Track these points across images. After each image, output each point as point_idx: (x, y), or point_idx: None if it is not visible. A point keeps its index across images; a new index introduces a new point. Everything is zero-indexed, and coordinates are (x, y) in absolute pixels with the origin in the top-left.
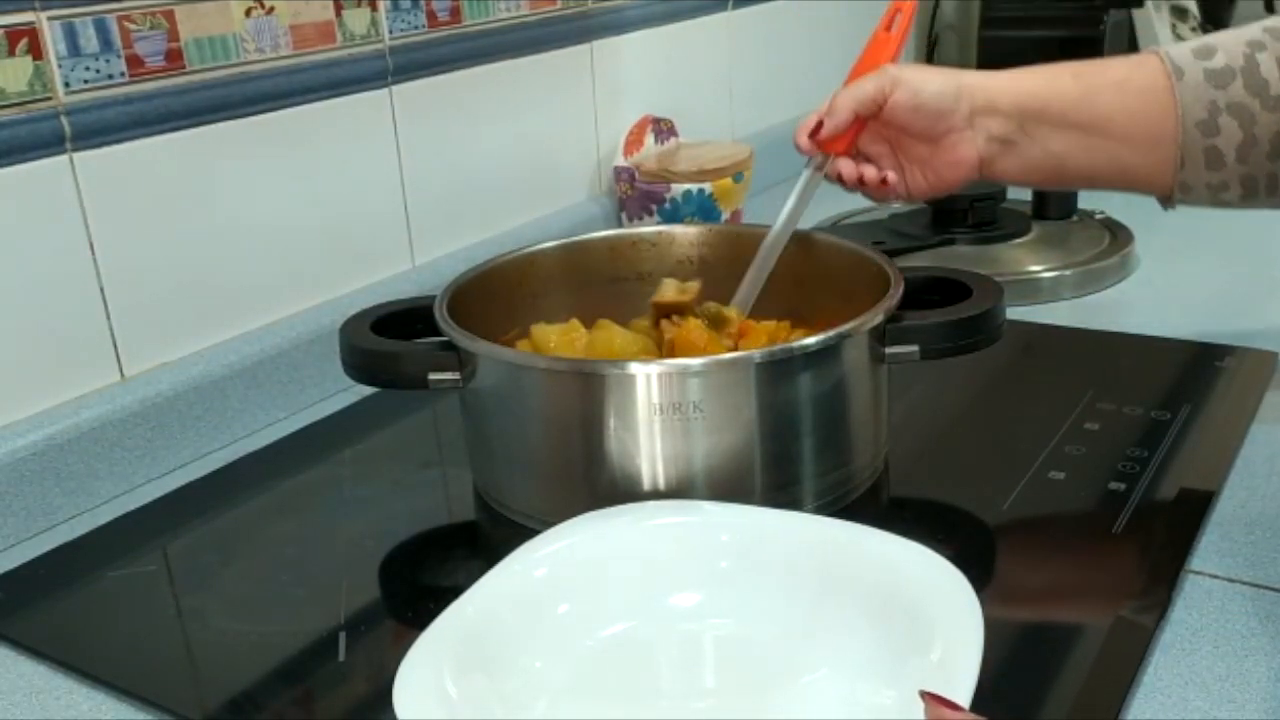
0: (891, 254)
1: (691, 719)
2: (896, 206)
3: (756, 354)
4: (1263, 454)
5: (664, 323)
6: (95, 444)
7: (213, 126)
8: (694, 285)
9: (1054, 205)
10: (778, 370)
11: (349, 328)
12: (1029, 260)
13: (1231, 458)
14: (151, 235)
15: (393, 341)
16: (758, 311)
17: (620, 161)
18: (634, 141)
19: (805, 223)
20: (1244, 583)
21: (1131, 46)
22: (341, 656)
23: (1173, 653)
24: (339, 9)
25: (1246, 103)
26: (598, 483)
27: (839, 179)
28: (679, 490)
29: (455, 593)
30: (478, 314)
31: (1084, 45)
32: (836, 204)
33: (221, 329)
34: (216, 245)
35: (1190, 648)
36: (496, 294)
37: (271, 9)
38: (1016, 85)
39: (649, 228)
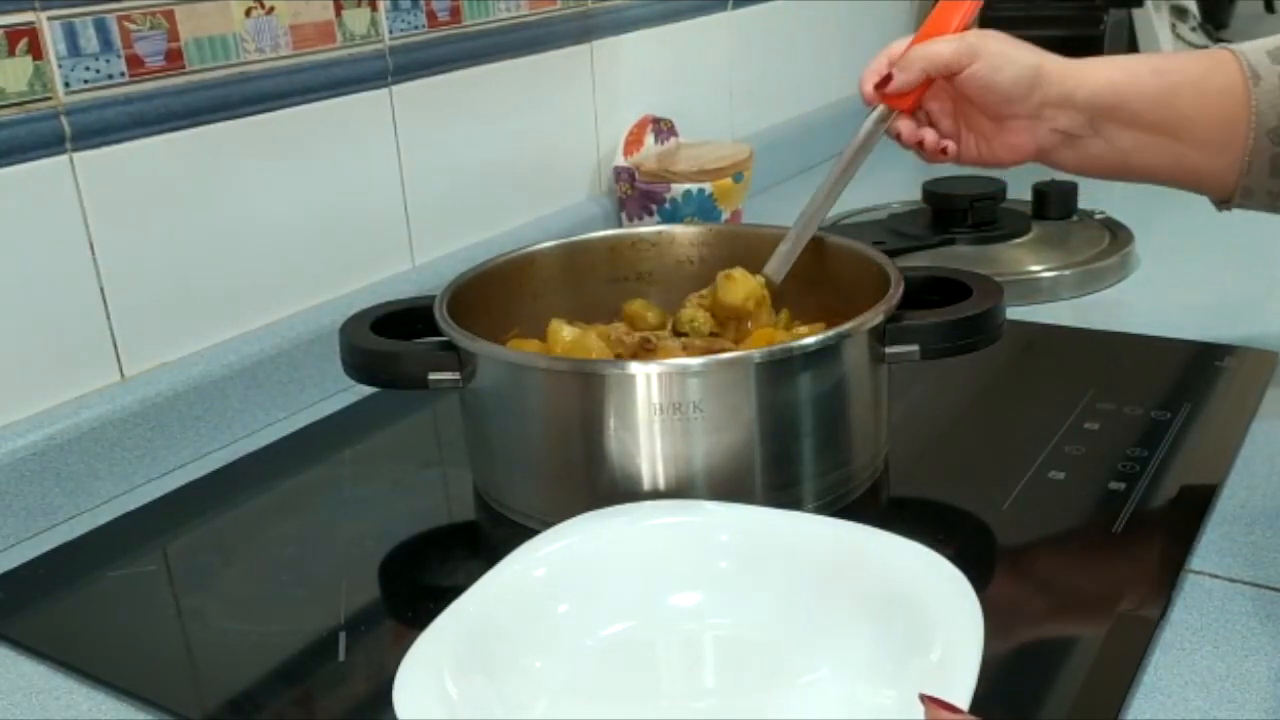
0: (891, 254)
1: (691, 719)
2: (896, 206)
3: (756, 354)
4: (1263, 454)
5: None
6: (95, 444)
7: (213, 126)
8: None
9: (1054, 205)
10: (777, 370)
11: (349, 328)
12: (1029, 260)
13: (1231, 458)
14: (151, 235)
15: (393, 341)
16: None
17: (620, 161)
18: (634, 141)
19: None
20: (1244, 582)
21: (1131, 46)
22: (341, 656)
23: (1173, 653)
24: (339, 9)
25: None
26: (598, 483)
27: (897, 137)
28: (679, 490)
29: (455, 593)
30: (478, 314)
31: (1084, 45)
32: (837, 204)
33: (221, 329)
34: (216, 245)
35: (1190, 648)
36: (496, 294)
37: (271, 9)
38: (1095, 76)
39: (649, 228)
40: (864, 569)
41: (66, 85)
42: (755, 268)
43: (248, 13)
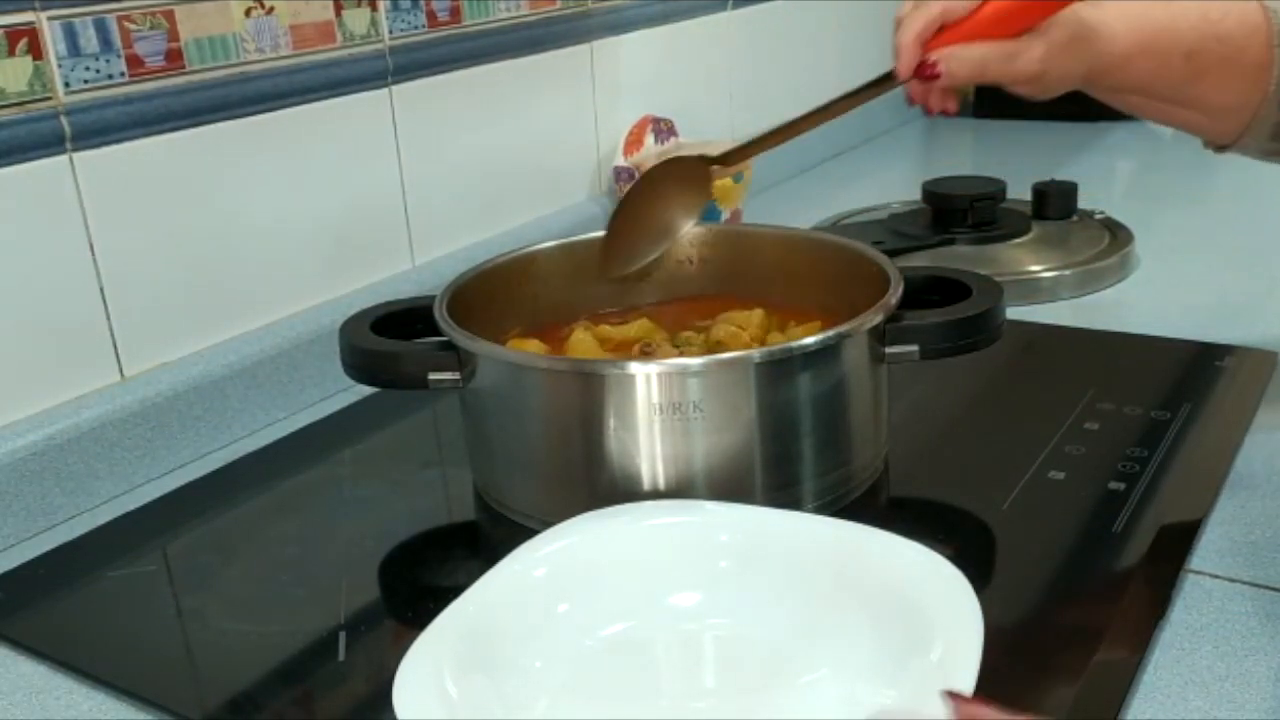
0: (891, 254)
1: (691, 719)
2: (896, 206)
3: (756, 354)
4: (1263, 454)
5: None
6: (95, 444)
7: (213, 126)
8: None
9: (1054, 205)
10: (777, 370)
11: (349, 328)
12: (1029, 260)
13: (1231, 457)
14: (151, 235)
15: (393, 341)
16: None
17: (620, 161)
18: (634, 141)
19: (805, 222)
20: (1244, 583)
21: None
22: (341, 656)
23: (1173, 653)
24: (339, 9)
25: None
26: (598, 483)
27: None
28: (679, 490)
29: (455, 593)
30: (478, 314)
31: None
32: (837, 204)
33: (221, 329)
34: (216, 245)
35: (1190, 648)
36: (496, 294)
37: (271, 9)
38: (1127, 70)
39: None
40: (864, 569)
41: (66, 85)
42: (754, 267)
43: (248, 13)
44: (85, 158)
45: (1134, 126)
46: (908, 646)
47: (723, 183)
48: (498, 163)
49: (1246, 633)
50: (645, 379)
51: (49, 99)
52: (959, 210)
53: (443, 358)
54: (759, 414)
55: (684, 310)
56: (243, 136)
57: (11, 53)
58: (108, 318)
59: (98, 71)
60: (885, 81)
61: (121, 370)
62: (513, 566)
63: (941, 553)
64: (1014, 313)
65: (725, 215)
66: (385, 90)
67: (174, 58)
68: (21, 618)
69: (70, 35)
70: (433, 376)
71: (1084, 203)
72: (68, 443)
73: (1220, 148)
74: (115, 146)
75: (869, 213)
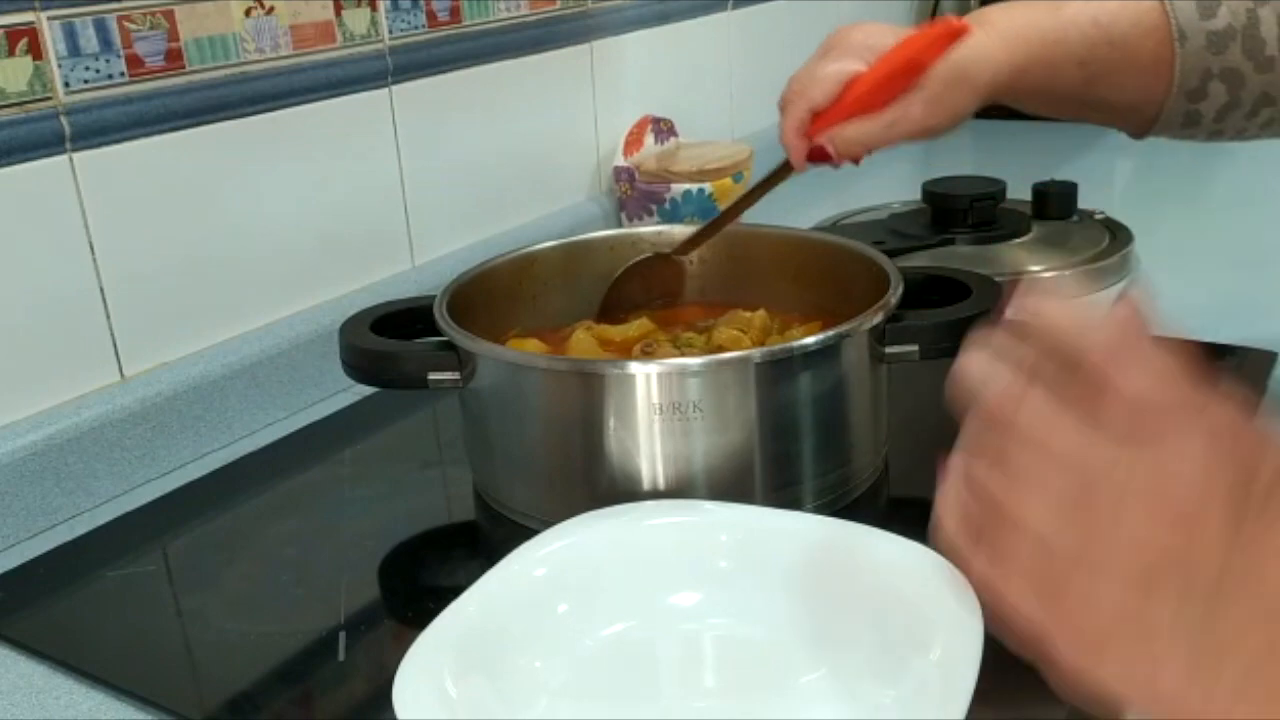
0: (891, 254)
1: (691, 719)
2: (896, 206)
3: (756, 354)
4: None
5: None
6: (95, 444)
7: (213, 126)
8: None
9: (1054, 205)
10: (777, 370)
11: (349, 328)
12: (1029, 260)
13: None
14: (151, 235)
15: (392, 341)
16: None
17: (620, 161)
18: (634, 141)
19: (805, 222)
20: None
21: None
22: (341, 656)
23: None
24: (339, 9)
25: (1239, 66)
26: (598, 483)
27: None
28: (679, 490)
29: (455, 593)
30: (478, 314)
31: None
32: (837, 204)
33: (221, 329)
34: (216, 245)
35: None
36: (496, 294)
37: (271, 9)
38: (1020, 82)
39: (649, 228)
40: (864, 569)
41: (66, 85)
42: (754, 267)
43: (248, 13)
44: (85, 158)
45: None
46: (908, 646)
47: (722, 183)
48: (498, 163)
49: None
50: (645, 379)
51: (49, 99)
52: (959, 210)
53: (443, 358)
54: (759, 414)
55: (684, 310)
56: (243, 136)
57: (11, 53)
58: (108, 318)
59: (98, 71)
60: (786, 170)
61: (121, 370)
62: (512, 566)
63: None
64: None
65: None
66: (385, 90)
67: (174, 58)
68: (21, 618)
69: (70, 35)
70: (433, 376)
71: (1084, 203)
72: (68, 443)
73: (1136, 137)
74: (115, 146)
75: (869, 213)
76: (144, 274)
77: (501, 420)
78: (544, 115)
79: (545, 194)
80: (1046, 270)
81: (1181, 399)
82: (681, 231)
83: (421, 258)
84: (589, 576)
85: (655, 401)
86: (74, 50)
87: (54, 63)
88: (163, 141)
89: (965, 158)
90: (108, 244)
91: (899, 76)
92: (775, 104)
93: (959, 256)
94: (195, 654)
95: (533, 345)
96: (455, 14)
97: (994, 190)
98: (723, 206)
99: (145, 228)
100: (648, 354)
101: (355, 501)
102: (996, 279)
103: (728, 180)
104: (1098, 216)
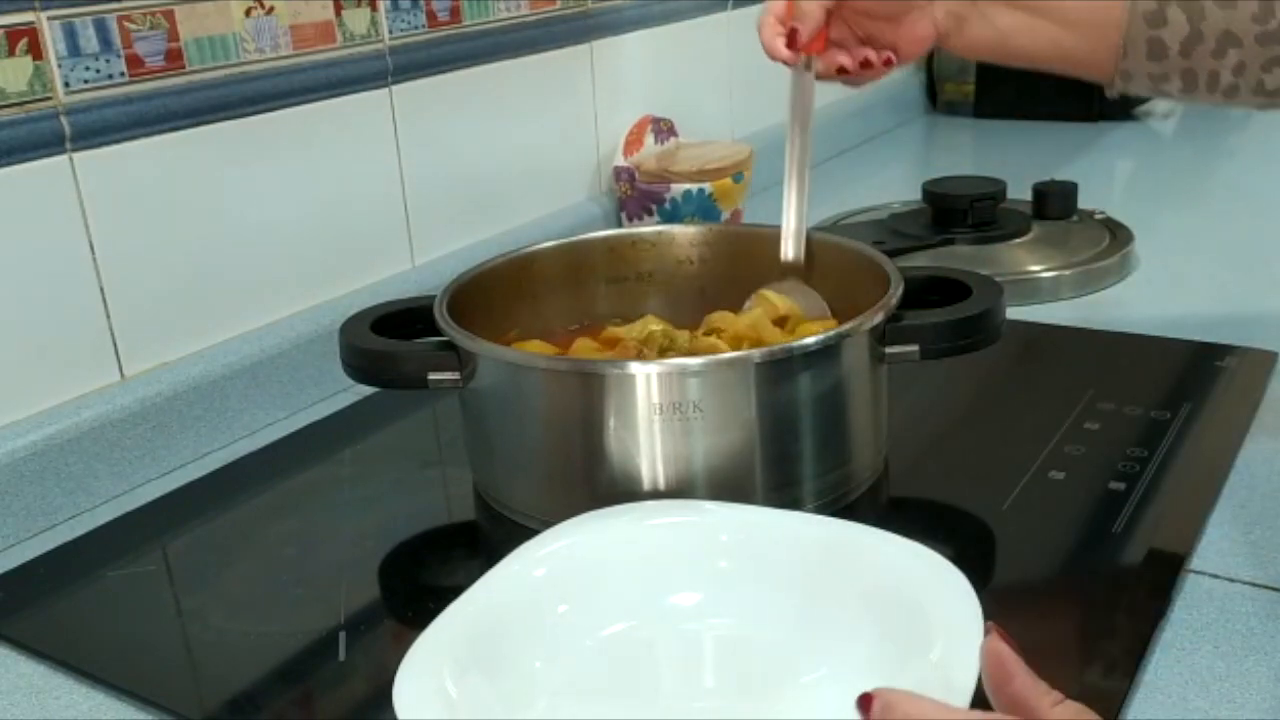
0: (891, 254)
1: (691, 719)
2: (896, 206)
3: (756, 354)
4: (1263, 454)
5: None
6: (95, 444)
7: (213, 126)
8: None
9: (1054, 205)
10: (777, 370)
11: (349, 328)
12: (1029, 260)
13: (1231, 457)
14: (151, 235)
15: (392, 341)
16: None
17: (620, 161)
18: (634, 141)
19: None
20: (1244, 583)
21: None
22: (341, 656)
23: (1173, 653)
24: (339, 9)
25: None
26: (598, 483)
27: (817, 76)
28: (679, 490)
29: (455, 593)
30: (478, 314)
31: None
32: (837, 204)
33: (221, 329)
34: (216, 245)
35: (1190, 648)
36: (496, 294)
37: (271, 9)
38: None
39: (649, 228)
40: (864, 569)
41: (66, 85)
42: (754, 267)
43: (248, 13)
44: (85, 158)
45: (1134, 126)
46: (908, 646)
47: (723, 183)
48: (498, 163)
49: (1246, 633)
50: (645, 379)
51: (49, 99)
52: (959, 210)
53: (443, 358)
54: (759, 414)
55: (684, 310)
56: (243, 136)
57: (11, 53)
58: (108, 318)
59: (98, 71)
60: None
61: (121, 370)
62: (512, 566)
63: (941, 553)
64: (1014, 313)
65: (725, 215)
66: (385, 90)
67: (174, 58)
68: (21, 618)
69: (70, 35)
70: (433, 376)
71: (1084, 203)
72: (68, 443)
73: (1110, 84)
74: (115, 146)
75: (869, 213)
76: (144, 274)
77: (501, 420)
78: (544, 115)
79: (545, 194)
80: (1046, 270)
81: None
82: (683, 232)
83: (421, 258)
84: (589, 576)
85: (655, 401)
86: (74, 50)
87: (54, 63)
88: (163, 141)
89: (965, 158)
90: (108, 244)
91: None
92: (775, 104)
93: (959, 256)
94: (195, 654)
95: (533, 345)
96: (455, 14)
97: (994, 190)
98: (722, 207)
99: (145, 228)
100: (648, 354)
101: (355, 501)
102: (996, 279)
103: (728, 180)
104: (1098, 216)
